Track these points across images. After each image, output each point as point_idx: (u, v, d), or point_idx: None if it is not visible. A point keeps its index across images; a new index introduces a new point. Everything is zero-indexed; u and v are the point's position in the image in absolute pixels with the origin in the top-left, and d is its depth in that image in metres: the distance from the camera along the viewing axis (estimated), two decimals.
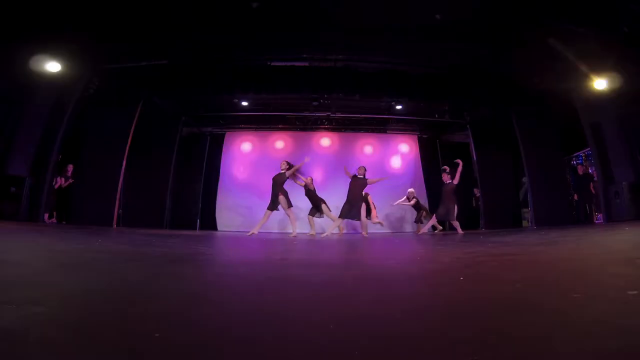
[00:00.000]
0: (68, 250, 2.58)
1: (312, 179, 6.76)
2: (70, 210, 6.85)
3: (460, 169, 6.49)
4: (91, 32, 5.46)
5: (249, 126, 9.40)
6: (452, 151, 9.54)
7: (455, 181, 6.49)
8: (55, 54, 5.49)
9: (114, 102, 6.74)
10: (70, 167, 7.21)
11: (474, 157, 8.50)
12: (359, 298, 1.36)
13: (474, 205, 8.96)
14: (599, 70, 5.68)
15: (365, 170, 6.48)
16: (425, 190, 9.04)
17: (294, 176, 6.41)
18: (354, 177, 6.35)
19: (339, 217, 6.28)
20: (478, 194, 8.57)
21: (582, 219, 7.76)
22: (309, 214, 6.70)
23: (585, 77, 5.83)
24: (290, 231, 6.15)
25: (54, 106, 5.88)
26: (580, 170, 8.23)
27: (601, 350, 0.76)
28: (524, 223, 8.50)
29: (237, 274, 2.06)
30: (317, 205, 6.61)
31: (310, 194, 6.69)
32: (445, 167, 6.88)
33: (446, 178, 6.65)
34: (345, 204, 6.24)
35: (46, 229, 4.61)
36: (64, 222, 6.80)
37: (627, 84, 5.55)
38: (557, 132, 7.83)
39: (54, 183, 6.46)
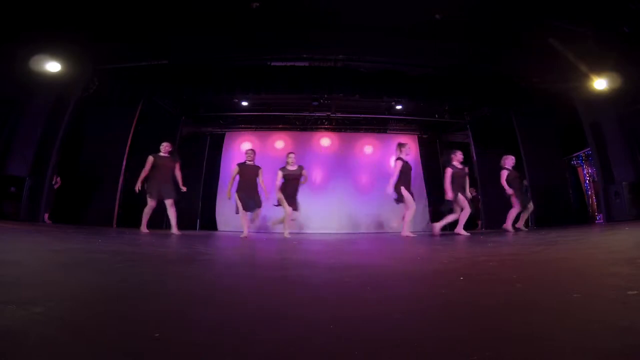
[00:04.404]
0: (68, 250, 2.58)
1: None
2: (69, 210, 6.85)
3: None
4: (91, 32, 5.47)
5: (249, 126, 9.42)
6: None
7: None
8: (55, 54, 5.50)
9: (114, 102, 6.74)
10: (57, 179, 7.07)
11: (474, 157, 8.50)
12: (359, 298, 1.36)
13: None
14: (599, 70, 5.69)
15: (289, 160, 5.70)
16: (425, 191, 9.03)
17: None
18: None
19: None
20: (474, 194, 8.56)
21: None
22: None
23: (585, 77, 5.83)
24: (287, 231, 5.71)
25: (54, 106, 5.88)
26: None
27: (601, 350, 0.76)
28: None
29: (237, 273, 2.06)
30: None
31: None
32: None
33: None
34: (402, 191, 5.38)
35: (46, 229, 4.60)
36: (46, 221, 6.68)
37: (627, 84, 5.55)
38: (557, 132, 7.83)
39: (53, 183, 6.46)
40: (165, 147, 5.64)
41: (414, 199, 5.49)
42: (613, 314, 1.01)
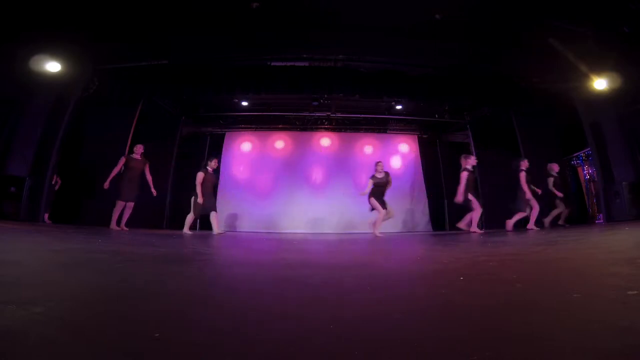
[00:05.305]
0: (68, 250, 2.58)
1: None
2: (69, 210, 6.84)
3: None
4: (91, 32, 5.46)
5: (248, 126, 9.41)
6: (452, 151, 9.56)
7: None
8: (55, 54, 5.49)
9: (114, 102, 6.74)
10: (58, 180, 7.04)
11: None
12: (359, 298, 1.36)
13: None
14: (599, 70, 5.68)
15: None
16: (425, 191, 9.03)
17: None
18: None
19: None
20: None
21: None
22: None
23: (585, 77, 5.83)
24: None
25: (54, 106, 5.87)
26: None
27: (601, 350, 0.76)
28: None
29: (237, 274, 2.06)
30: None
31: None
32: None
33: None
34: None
35: (46, 229, 4.60)
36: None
37: (627, 84, 5.55)
38: (557, 132, 7.83)
39: (53, 183, 6.46)
40: (137, 149, 5.95)
41: (479, 202, 6.05)
42: (613, 314, 1.01)
